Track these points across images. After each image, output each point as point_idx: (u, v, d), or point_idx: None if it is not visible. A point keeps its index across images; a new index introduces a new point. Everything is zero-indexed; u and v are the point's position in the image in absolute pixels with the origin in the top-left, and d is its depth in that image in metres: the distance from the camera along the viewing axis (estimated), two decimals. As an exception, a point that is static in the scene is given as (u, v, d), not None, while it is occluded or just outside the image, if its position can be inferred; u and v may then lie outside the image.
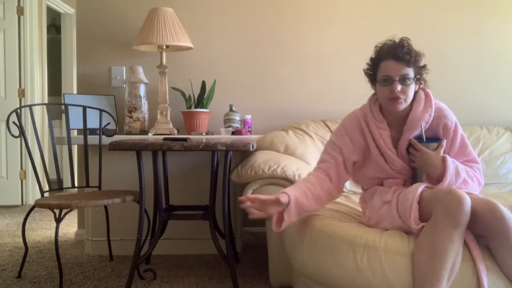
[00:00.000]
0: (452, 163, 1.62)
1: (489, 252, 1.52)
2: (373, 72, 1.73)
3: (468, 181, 1.65)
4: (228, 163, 2.20)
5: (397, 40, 1.68)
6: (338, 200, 2.13)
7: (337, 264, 1.62)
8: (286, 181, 2.14)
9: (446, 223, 1.44)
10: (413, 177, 1.72)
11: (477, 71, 3.09)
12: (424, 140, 1.66)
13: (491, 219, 1.46)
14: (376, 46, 1.74)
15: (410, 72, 1.65)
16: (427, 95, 1.72)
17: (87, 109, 2.64)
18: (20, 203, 4.35)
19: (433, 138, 1.69)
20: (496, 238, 1.48)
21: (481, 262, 1.48)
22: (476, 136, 2.77)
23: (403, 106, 1.67)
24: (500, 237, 1.46)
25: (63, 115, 3.83)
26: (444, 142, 1.67)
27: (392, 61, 1.64)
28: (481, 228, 1.49)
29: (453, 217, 1.43)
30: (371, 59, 1.74)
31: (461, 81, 3.04)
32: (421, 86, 1.73)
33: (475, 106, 3.06)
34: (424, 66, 1.71)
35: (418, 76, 1.69)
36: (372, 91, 1.81)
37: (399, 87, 1.63)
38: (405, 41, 1.68)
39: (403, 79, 1.63)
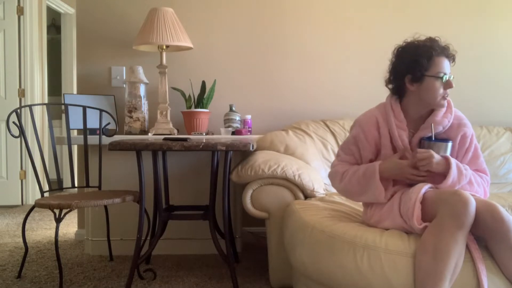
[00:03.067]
0: (454, 162, 1.62)
1: (489, 253, 1.52)
2: (418, 68, 1.65)
3: (473, 183, 1.66)
4: (228, 163, 2.20)
5: (429, 37, 1.71)
6: (338, 200, 2.13)
7: (337, 264, 1.62)
8: (286, 181, 2.14)
9: (451, 223, 1.44)
10: None
11: (477, 71, 3.09)
12: (433, 139, 1.68)
13: (490, 221, 1.46)
14: (406, 43, 1.72)
15: None
16: (449, 102, 1.74)
17: (87, 109, 2.64)
18: (20, 203, 4.35)
19: (442, 138, 1.71)
20: (495, 239, 1.48)
21: (481, 263, 1.48)
22: (476, 136, 2.75)
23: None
24: (499, 238, 1.47)
25: (63, 115, 3.82)
26: (450, 144, 1.68)
27: (444, 58, 1.68)
28: (480, 229, 1.49)
29: (458, 218, 1.43)
30: (417, 54, 1.65)
31: (461, 81, 3.01)
32: None
33: (475, 106, 3.06)
34: None
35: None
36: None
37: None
38: (438, 38, 1.71)
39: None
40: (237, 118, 2.85)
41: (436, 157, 1.61)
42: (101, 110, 2.64)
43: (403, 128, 1.72)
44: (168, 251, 2.68)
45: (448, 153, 1.67)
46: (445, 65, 1.67)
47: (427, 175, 1.64)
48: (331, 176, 1.86)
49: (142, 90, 2.83)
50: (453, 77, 1.68)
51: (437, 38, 1.71)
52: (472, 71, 3.08)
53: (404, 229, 1.62)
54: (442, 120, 1.70)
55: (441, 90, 1.66)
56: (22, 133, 2.36)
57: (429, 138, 1.69)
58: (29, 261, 2.58)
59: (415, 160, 1.62)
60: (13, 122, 2.37)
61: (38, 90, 4.55)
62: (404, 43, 1.74)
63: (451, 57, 1.70)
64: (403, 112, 1.74)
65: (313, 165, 2.48)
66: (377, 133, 1.76)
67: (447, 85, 1.66)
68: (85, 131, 2.60)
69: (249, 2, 3.03)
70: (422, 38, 1.71)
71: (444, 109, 1.72)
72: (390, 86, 1.78)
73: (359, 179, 1.73)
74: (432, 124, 1.68)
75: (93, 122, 2.66)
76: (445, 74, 1.65)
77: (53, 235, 3.13)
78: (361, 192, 1.75)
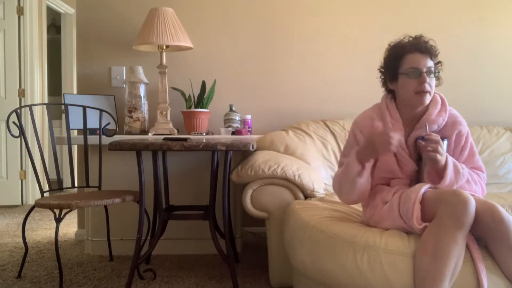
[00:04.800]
0: (451, 161, 1.62)
1: (489, 253, 1.52)
2: (393, 67, 1.71)
3: (471, 182, 1.66)
4: (228, 163, 2.20)
5: (412, 36, 1.71)
6: (338, 200, 2.13)
7: (337, 264, 1.62)
8: (286, 181, 2.14)
9: (451, 223, 1.44)
10: (417, 177, 1.73)
11: (477, 71, 3.09)
12: None
13: (490, 221, 1.46)
14: (390, 44, 1.75)
15: (433, 65, 1.68)
16: (443, 100, 1.75)
17: (87, 109, 2.64)
18: (20, 203, 4.35)
19: None
20: (495, 239, 1.48)
21: (481, 263, 1.48)
22: (476, 136, 2.77)
23: (428, 99, 1.68)
24: (499, 238, 1.47)
25: (63, 115, 3.82)
26: (446, 142, 1.68)
27: (417, 53, 1.67)
28: (480, 229, 1.49)
29: (458, 218, 1.43)
30: (391, 55, 1.72)
31: (461, 81, 3.04)
32: (437, 82, 1.75)
33: (475, 106, 3.06)
34: (439, 62, 1.73)
35: (437, 71, 1.71)
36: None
37: (427, 79, 1.65)
38: (422, 36, 1.71)
39: (429, 72, 1.66)
40: (237, 118, 2.85)
41: (442, 150, 1.60)
42: (101, 110, 2.64)
43: (399, 128, 1.73)
44: (168, 251, 2.68)
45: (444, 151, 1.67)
46: (418, 60, 1.66)
47: (425, 169, 1.64)
48: (335, 185, 1.79)
49: (142, 90, 2.83)
50: (437, 72, 1.68)
51: (411, 36, 1.71)
52: (472, 71, 3.08)
53: (404, 229, 1.62)
54: (437, 118, 1.70)
55: (414, 85, 1.66)
56: (22, 133, 2.36)
57: (424, 137, 1.69)
58: (29, 261, 2.57)
59: (422, 146, 1.60)
60: (13, 122, 2.37)
61: (38, 90, 4.55)
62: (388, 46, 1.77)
63: (427, 52, 1.67)
64: (398, 111, 1.75)
65: (313, 165, 2.48)
66: None
67: (420, 79, 1.65)
68: (85, 131, 2.60)
69: (249, 2, 3.03)
70: (402, 38, 1.73)
71: (439, 106, 1.72)
72: (385, 87, 1.82)
73: (343, 172, 1.71)
74: (427, 123, 1.68)
75: (93, 122, 2.66)
76: (416, 68, 1.65)
77: (53, 235, 3.13)
78: (349, 183, 1.68)
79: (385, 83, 1.80)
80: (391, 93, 1.78)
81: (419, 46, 1.67)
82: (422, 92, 1.65)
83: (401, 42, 1.73)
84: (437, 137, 1.60)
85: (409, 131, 1.74)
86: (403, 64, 1.68)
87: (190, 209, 2.47)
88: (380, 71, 1.80)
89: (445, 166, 1.61)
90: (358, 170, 1.65)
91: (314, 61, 3.05)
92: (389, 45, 1.76)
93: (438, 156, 1.59)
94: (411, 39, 1.71)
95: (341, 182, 1.75)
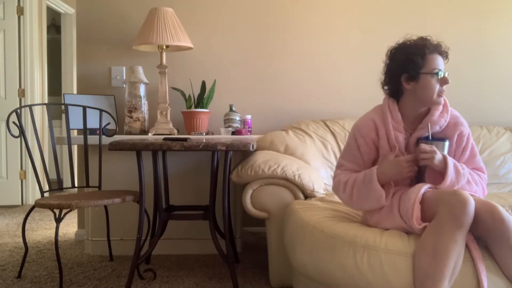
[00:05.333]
0: (452, 162, 1.63)
1: (489, 252, 1.53)
2: (415, 66, 1.66)
3: (471, 182, 1.66)
4: (228, 163, 2.20)
5: (423, 37, 1.71)
6: (338, 200, 2.13)
7: (337, 264, 1.62)
8: (286, 181, 2.14)
9: (450, 223, 1.44)
10: (418, 178, 1.73)
11: (477, 71, 3.08)
12: (430, 138, 1.68)
13: (490, 221, 1.46)
14: (401, 43, 1.72)
15: None
16: (444, 101, 1.75)
17: (87, 109, 2.64)
18: (20, 203, 4.35)
19: (439, 138, 1.71)
20: (495, 239, 1.48)
21: (481, 263, 1.48)
22: (476, 136, 2.77)
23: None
24: (499, 238, 1.47)
25: (63, 115, 3.83)
26: (447, 143, 1.68)
27: (437, 55, 1.68)
28: (480, 229, 1.50)
29: (457, 218, 1.43)
30: (412, 53, 1.66)
31: (461, 81, 3.03)
32: None
33: (475, 106, 3.06)
34: None
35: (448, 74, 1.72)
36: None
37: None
38: (430, 38, 1.72)
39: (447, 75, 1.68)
40: (237, 118, 2.85)
41: (439, 155, 1.61)
42: (101, 110, 2.64)
43: (399, 130, 1.73)
44: (168, 251, 2.68)
45: (445, 152, 1.67)
46: (439, 62, 1.68)
47: (426, 170, 1.66)
48: (335, 187, 1.81)
49: (142, 90, 2.83)
50: (448, 74, 1.68)
51: (428, 37, 1.71)
52: (472, 71, 3.08)
53: (404, 229, 1.62)
54: (439, 119, 1.71)
55: (438, 87, 1.67)
56: (22, 133, 2.36)
57: (426, 138, 1.69)
58: (29, 261, 2.58)
59: (417, 153, 1.63)
60: (13, 122, 2.37)
61: (38, 90, 4.55)
62: (396, 45, 1.75)
63: (444, 54, 1.71)
64: (401, 113, 1.74)
65: (313, 165, 2.48)
66: (376, 135, 1.75)
67: (443, 81, 1.67)
68: (85, 131, 2.61)
69: (249, 2, 3.03)
70: (414, 38, 1.72)
71: (440, 107, 1.73)
72: (386, 87, 1.79)
73: (359, 186, 1.70)
74: (429, 124, 1.68)
75: (93, 122, 2.66)
76: (440, 70, 1.66)
77: (53, 235, 3.13)
78: (363, 199, 1.71)
79: (392, 83, 1.75)
80: (393, 96, 1.76)
81: (438, 48, 1.69)
82: (442, 93, 1.68)
83: (418, 42, 1.70)
84: (431, 147, 1.61)
85: (411, 132, 1.74)
86: (426, 64, 1.66)
87: (190, 209, 2.47)
88: (387, 72, 1.76)
89: (445, 167, 1.61)
90: (382, 200, 1.67)
91: (314, 61, 3.05)
92: (401, 44, 1.72)
93: (434, 165, 1.61)
94: (421, 40, 1.70)
95: (353, 193, 1.73)
